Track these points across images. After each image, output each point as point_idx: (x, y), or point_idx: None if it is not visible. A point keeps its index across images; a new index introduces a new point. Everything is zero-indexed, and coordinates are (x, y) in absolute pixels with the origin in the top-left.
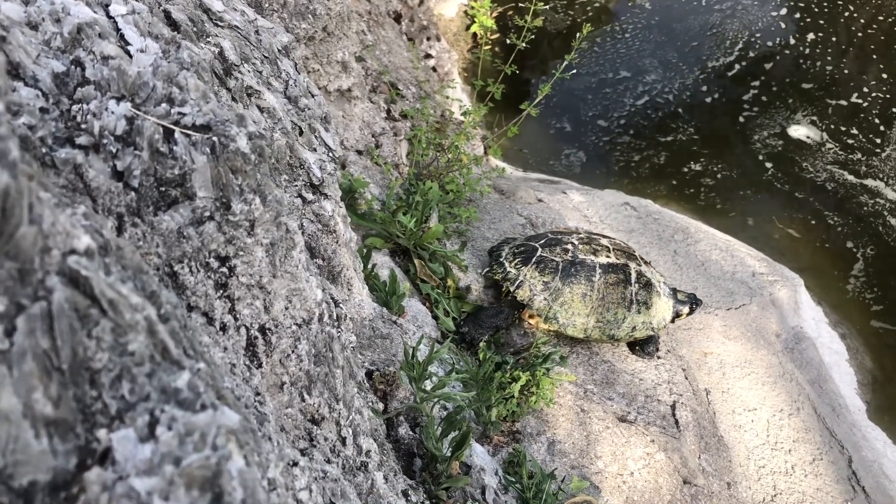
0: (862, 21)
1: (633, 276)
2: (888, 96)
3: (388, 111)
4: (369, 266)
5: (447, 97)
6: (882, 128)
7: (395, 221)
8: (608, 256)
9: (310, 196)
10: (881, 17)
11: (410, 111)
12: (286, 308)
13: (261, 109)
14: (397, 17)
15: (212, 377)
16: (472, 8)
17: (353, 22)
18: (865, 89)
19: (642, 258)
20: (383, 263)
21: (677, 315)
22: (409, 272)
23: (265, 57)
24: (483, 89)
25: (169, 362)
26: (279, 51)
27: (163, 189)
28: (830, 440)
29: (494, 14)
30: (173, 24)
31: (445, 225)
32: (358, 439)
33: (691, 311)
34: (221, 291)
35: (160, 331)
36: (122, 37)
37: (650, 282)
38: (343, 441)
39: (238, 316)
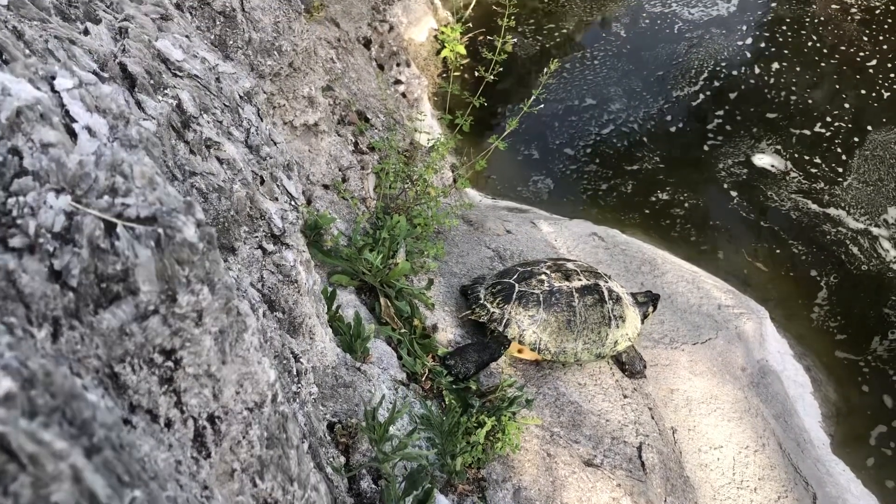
0: (825, 51)
1: (606, 293)
2: (850, 126)
3: (356, 143)
4: (333, 307)
5: (416, 129)
6: (844, 157)
7: (361, 258)
8: (579, 279)
9: (270, 247)
10: (843, 48)
11: (378, 143)
12: (237, 393)
13: (220, 161)
14: (367, 44)
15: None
16: (443, 33)
17: (322, 51)
18: (828, 119)
19: (605, 274)
20: (348, 302)
21: (644, 316)
22: (374, 310)
23: (226, 105)
24: (452, 122)
25: None
26: (241, 97)
27: (104, 285)
28: (795, 476)
29: (465, 40)
30: (129, 78)
31: (412, 261)
32: None
33: (654, 309)
34: (167, 386)
35: (86, 478)
36: (67, 113)
37: (619, 296)
38: None
39: (185, 408)
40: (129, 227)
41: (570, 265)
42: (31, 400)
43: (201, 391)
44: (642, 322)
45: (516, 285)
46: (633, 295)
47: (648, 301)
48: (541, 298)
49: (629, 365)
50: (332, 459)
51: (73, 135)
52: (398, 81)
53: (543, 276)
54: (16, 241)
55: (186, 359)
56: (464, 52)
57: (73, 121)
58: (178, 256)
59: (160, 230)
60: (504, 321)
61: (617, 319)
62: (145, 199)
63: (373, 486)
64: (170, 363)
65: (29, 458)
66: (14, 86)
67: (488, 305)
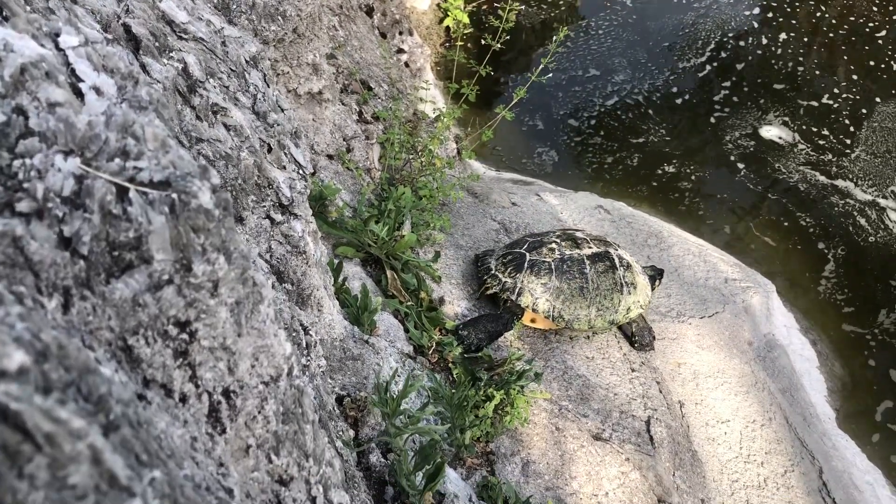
0: (833, 21)
1: (616, 260)
2: (858, 97)
3: (360, 113)
4: (340, 279)
5: (420, 98)
6: (852, 129)
7: (366, 230)
8: (589, 247)
9: (278, 217)
10: (852, 18)
11: (383, 113)
12: (252, 366)
13: (227, 127)
14: (369, 11)
15: (169, 484)
16: (446, 1)
17: (325, 18)
18: (836, 90)
19: (615, 243)
20: (354, 274)
21: (652, 289)
22: (380, 283)
23: (232, 70)
24: (457, 91)
25: (117, 489)
26: (247, 62)
27: (116, 254)
28: (801, 450)
29: (468, 8)
30: (133, 40)
31: (418, 233)
32: (329, 493)
33: (659, 282)
34: (181, 360)
35: (106, 458)
36: (73, 72)
37: (629, 263)
38: (313, 500)
39: (199, 382)
40: (142, 192)
41: (579, 234)
42: (45, 374)
43: (216, 364)
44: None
45: (527, 254)
46: (643, 267)
47: (655, 275)
48: (552, 266)
49: (638, 336)
50: (341, 433)
51: (79, 95)
52: (401, 50)
53: (554, 245)
54: (23, 206)
55: (202, 331)
56: (467, 20)
57: (80, 80)
58: (193, 223)
59: (174, 195)
60: (517, 290)
61: (629, 286)
62: (158, 163)
63: (382, 459)
64: (184, 335)
65: (45, 438)
66: (17, 42)
67: (499, 275)
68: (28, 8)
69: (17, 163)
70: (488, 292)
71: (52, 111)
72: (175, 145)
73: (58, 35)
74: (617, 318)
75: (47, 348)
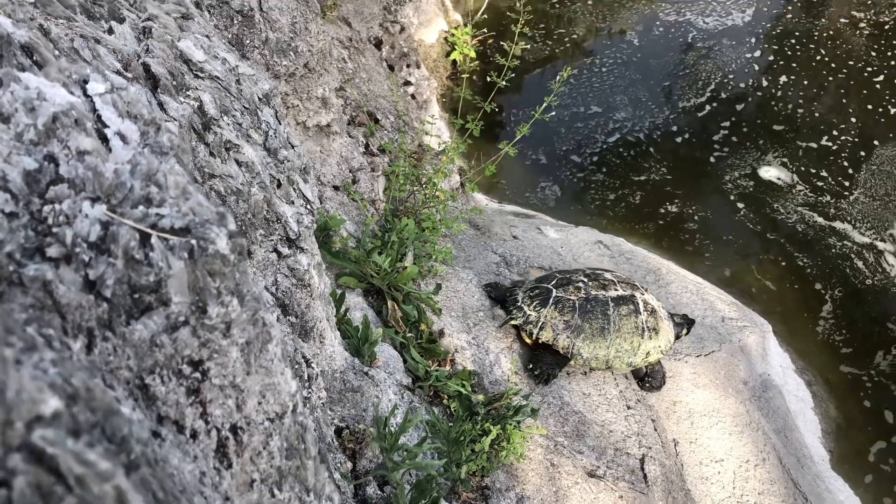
0: (833, 65)
1: (641, 304)
2: (857, 140)
3: (367, 145)
4: (342, 310)
5: (425, 132)
6: (851, 171)
7: (369, 261)
8: (616, 289)
9: (285, 251)
10: (851, 62)
11: (388, 145)
12: (259, 404)
13: (239, 163)
14: (378, 44)
15: None
16: (453, 35)
17: (335, 52)
18: (835, 132)
19: (642, 286)
20: (356, 305)
21: (677, 337)
22: (381, 313)
23: (245, 108)
24: (462, 126)
25: None
26: (260, 99)
27: (136, 296)
28: (795, 492)
29: (475, 42)
30: (152, 78)
31: (420, 264)
32: None
33: (688, 332)
34: (193, 397)
35: (129, 499)
36: (99, 118)
37: (654, 308)
38: None
39: (209, 419)
40: (164, 238)
41: (607, 275)
42: (75, 417)
43: (226, 402)
44: (675, 341)
45: (554, 290)
46: (671, 313)
47: (684, 324)
48: (577, 305)
49: (650, 377)
50: (339, 465)
51: (104, 139)
52: (408, 83)
53: (581, 284)
54: (52, 251)
55: (213, 370)
56: (474, 54)
57: (105, 126)
58: (209, 268)
59: (193, 241)
60: (539, 324)
61: (650, 331)
62: (179, 210)
63: (379, 492)
64: (197, 374)
65: (76, 480)
66: (49, 90)
67: (525, 308)
68: (56, 52)
69: (46, 208)
70: (512, 322)
71: (81, 159)
72: (195, 191)
73: (86, 82)
74: (635, 362)
75: (77, 392)
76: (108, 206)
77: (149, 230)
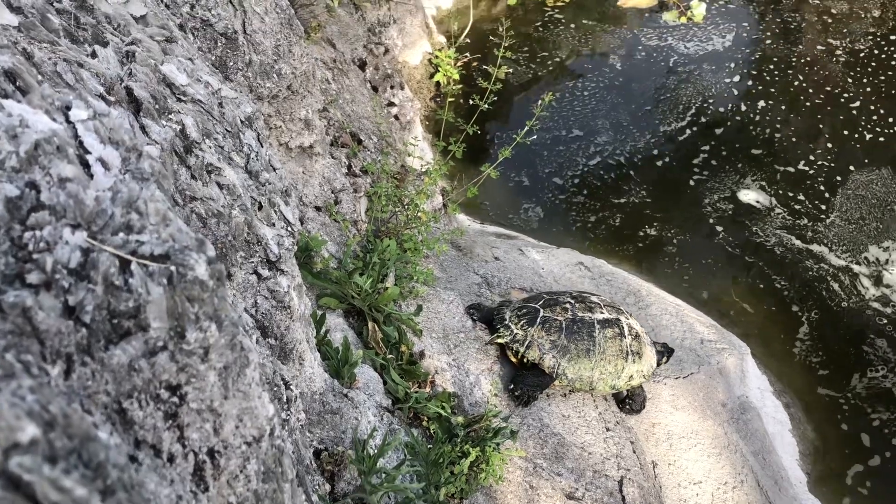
0: (810, 91)
1: (626, 328)
2: (833, 165)
3: (349, 166)
4: (322, 331)
5: (408, 153)
6: (827, 195)
7: (350, 282)
8: (602, 312)
9: (265, 273)
10: (828, 88)
11: (371, 166)
12: (237, 427)
13: (220, 186)
14: (362, 65)
15: None
16: (437, 57)
17: (318, 73)
18: (812, 157)
19: (627, 311)
20: (337, 326)
21: (658, 364)
22: (362, 334)
23: (228, 131)
24: (445, 148)
25: None
26: (242, 122)
27: (115, 321)
28: None
29: (459, 64)
30: (135, 102)
31: (401, 286)
32: None
33: (667, 360)
34: (171, 421)
35: None
36: (81, 144)
37: (639, 333)
38: None
39: (187, 443)
40: (143, 265)
41: (594, 298)
42: (51, 443)
43: (203, 426)
44: (655, 367)
45: (541, 310)
46: (653, 341)
47: (664, 352)
48: (563, 325)
49: (631, 400)
50: (317, 487)
51: (85, 166)
52: (391, 104)
53: (568, 305)
54: (33, 278)
55: (191, 394)
56: (457, 76)
57: (87, 152)
58: (188, 294)
59: (172, 268)
60: (526, 343)
61: (634, 355)
62: (159, 237)
63: None
64: (175, 398)
65: None
66: (31, 117)
67: (512, 326)
68: (39, 76)
69: (27, 234)
70: (498, 340)
71: (62, 186)
72: (175, 217)
73: (69, 108)
74: (618, 385)
75: (54, 419)
76: (88, 232)
77: (129, 257)
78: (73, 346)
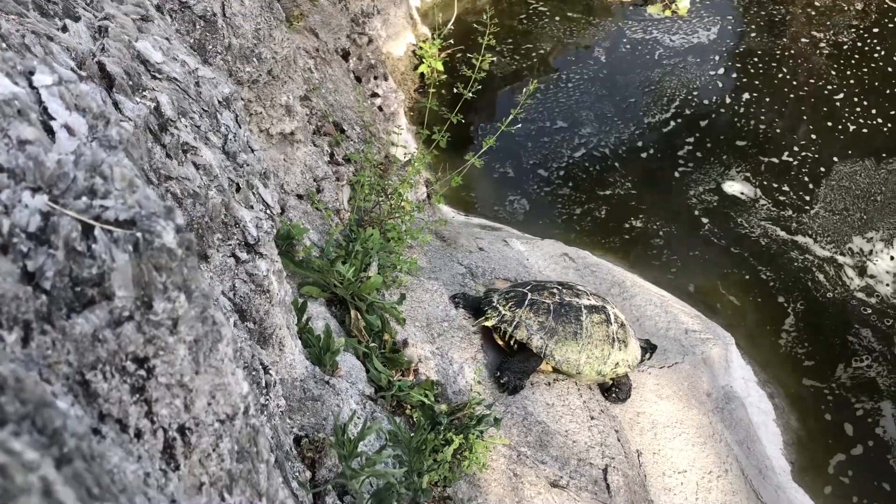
0: (794, 83)
1: (612, 316)
2: (817, 156)
3: (332, 155)
4: (303, 319)
5: (392, 143)
6: (811, 186)
7: (333, 270)
8: (588, 299)
9: (244, 256)
10: (812, 80)
11: (354, 155)
12: (208, 404)
13: (197, 166)
14: (345, 55)
15: None
16: (421, 48)
17: (300, 61)
18: (796, 148)
19: (612, 303)
20: (318, 314)
21: (641, 360)
22: (344, 323)
23: (204, 110)
24: (429, 137)
25: None
26: (220, 102)
27: (78, 289)
28: (756, 503)
29: (443, 56)
30: (107, 78)
31: (385, 275)
32: None
33: (650, 356)
34: (138, 395)
35: (57, 490)
36: (45, 110)
37: (624, 323)
38: None
39: (155, 418)
40: (107, 231)
41: (580, 287)
42: (1, 407)
43: (173, 401)
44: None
45: (529, 294)
46: (637, 337)
47: (647, 348)
48: (551, 308)
49: (617, 388)
50: (297, 474)
51: (50, 133)
52: (375, 94)
53: (555, 290)
54: None
55: (159, 368)
56: (441, 68)
57: (52, 118)
58: (155, 262)
59: (139, 234)
60: (514, 323)
61: (620, 342)
62: (124, 202)
63: (338, 501)
64: (142, 371)
65: None
66: None
67: (500, 308)
68: (4, 44)
69: None
70: (486, 323)
71: (22, 148)
72: (142, 185)
73: (32, 73)
74: (604, 370)
75: (5, 381)
76: (49, 196)
77: (92, 221)
78: (31, 313)
